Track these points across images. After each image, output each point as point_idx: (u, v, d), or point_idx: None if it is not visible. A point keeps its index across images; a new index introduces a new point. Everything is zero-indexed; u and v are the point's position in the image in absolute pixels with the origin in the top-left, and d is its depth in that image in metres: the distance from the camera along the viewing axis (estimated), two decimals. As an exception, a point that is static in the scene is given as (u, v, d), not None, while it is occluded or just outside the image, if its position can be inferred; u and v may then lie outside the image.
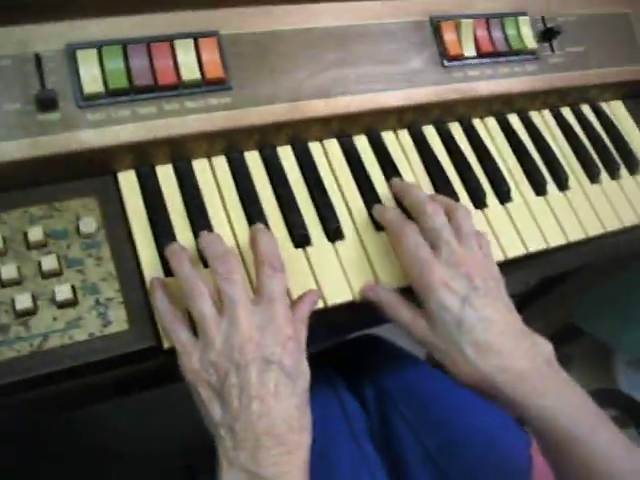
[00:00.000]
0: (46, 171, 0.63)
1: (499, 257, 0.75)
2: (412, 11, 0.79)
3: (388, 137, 0.79)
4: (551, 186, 0.84)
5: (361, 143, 0.78)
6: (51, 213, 0.64)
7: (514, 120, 0.88)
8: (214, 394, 0.56)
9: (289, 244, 0.69)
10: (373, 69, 0.75)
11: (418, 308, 0.66)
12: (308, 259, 0.69)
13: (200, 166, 0.70)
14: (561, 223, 0.81)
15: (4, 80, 0.61)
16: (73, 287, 0.61)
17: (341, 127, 0.75)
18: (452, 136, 0.82)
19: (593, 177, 0.87)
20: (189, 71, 0.66)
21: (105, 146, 0.64)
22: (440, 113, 0.81)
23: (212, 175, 0.70)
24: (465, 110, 0.83)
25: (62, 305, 0.60)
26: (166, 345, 0.60)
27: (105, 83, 0.64)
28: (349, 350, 1.01)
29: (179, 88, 0.66)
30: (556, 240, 0.80)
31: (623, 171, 0.90)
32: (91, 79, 0.63)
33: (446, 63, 0.79)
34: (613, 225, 0.84)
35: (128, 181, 0.67)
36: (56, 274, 0.61)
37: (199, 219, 0.67)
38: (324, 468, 0.78)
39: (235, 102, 0.68)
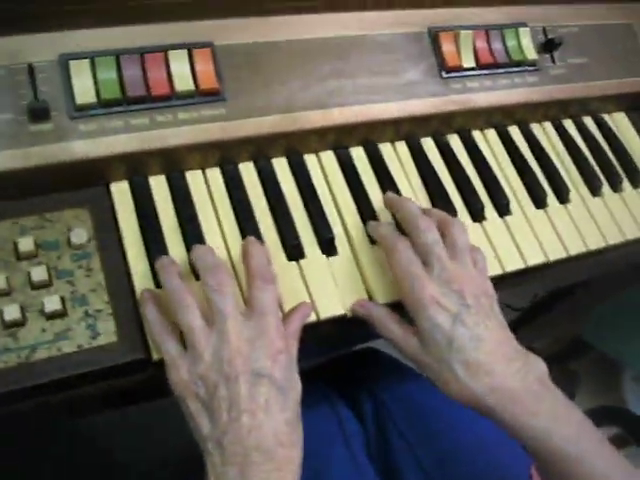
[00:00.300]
0: (38, 182, 0.63)
1: (497, 271, 0.74)
2: (410, 22, 0.79)
3: (385, 149, 0.79)
4: (551, 199, 0.83)
5: (358, 155, 0.77)
6: (42, 224, 0.63)
7: (515, 132, 0.87)
8: (203, 407, 0.55)
9: (282, 256, 0.68)
10: (370, 80, 0.75)
11: (410, 325, 0.65)
12: (301, 271, 0.68)
13: (194, 177, 0.70)
14: (561, 236, 0.80)
15: (-4, 90, 0.61)
16: (62, 298, 0.61)
17: (337, 139, 0.75)
18: (450, 148, 0.82)
19: (595, 190, 0.86)
20: (183, 82, 0.66)
21: (97, 157, 0.63)
22: (438, 125, 0.80)
23: (206, 187, 0.70)
24: (464, 122, 0.82)
25: (51, 316, 0.60)
26: (155, 357, 0.60)
27: (98, 94, 0.63)
28: (347, 363, 1.00)
29: (172, 99, 0.66)
30: (556, 254, 0.79)
31: (626, 184, 0.89)
32: (83, 90, 0.63)
33: (444, 74, 0.79)
34: (615, 238, 0.83)
35: (120, 192, 0.67)
36: (46, 285, 0.61)
37: (191, 231, 0.66)
38: (319, 482, 0.77)
39: (229, 113, 0.68)
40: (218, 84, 0.67)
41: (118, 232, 0.65)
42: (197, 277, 0.64)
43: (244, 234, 0.67)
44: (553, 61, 0.86)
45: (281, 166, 0.73)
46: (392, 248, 0.66)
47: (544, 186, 0.83)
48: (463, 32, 0.79)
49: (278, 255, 0.68)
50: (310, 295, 0.67)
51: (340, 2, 0.74)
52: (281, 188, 0.72)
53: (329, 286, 0.68)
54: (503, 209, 0.79)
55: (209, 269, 0.59)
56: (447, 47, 0.79)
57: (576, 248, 0.80)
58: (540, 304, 1.53)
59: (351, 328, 0.71)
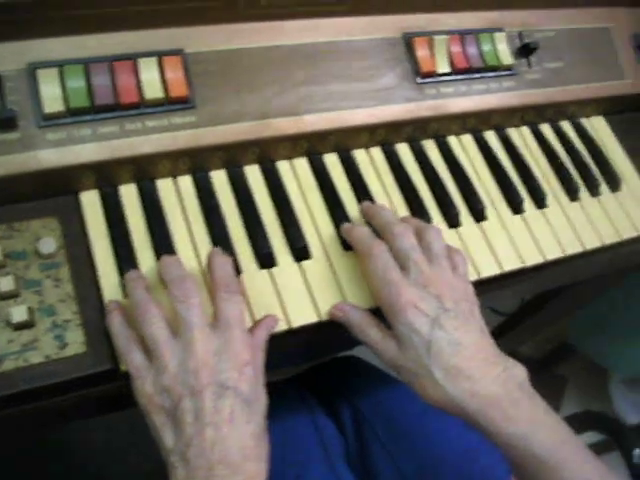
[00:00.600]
0: (6, 191, 0.62)
1: (473, 276, 0.74)
2: (384, 27, 0.78)
3: (360, 155, 0.78)
4: (528, 204, 0.82)
5: (331, 161, 0.77)
6: (10, 233, 0.63)
7: (491, 137, 0.86)
8: (167, 419, 0.55)
9: (254, 265, 0.68)
10: (344, 86, 0.74)
11: (388, 329, 0.64)
12: (273, 280, 0.67)
13: (164, 185, 0.69)
14: (538, 242, 0.80)
15: (-37, 100, 0.60)
16: (30, 309, 0.60)
17: (311, 145, 0.74)
18: (426, 154, 0.81)
19: (572, 194, 0.86)
20: (152, 89, 0.65)
21: (66, 166, 0.63)
22: (413, 131, 0.80)
23: (176, 195, 0.69)
24: (439, 127, 0.82)
25: (18, 327, 0.59)
26: (123, 367, 0.59)
27: (66, 102, 0.63)
28: (326, 371, 1.00)
29: (142, 107, 0.65)
30: (533, 259, 0.78)
31: (603, 188, 0.89)
32: (52, 98, 0.62)
33: (419, 80, 0.78)
34: (593, 243, 0.83)
35: (90, 201, 0.66)
36: (13, 295, 0.60)
37: (161, 240, 0.66)
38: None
39: (199, 120, 0.67)
40: (188, 91, 0.67)
41: (87, 241, 0.64)
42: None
43: (215, 242, 0.67)
44: (529, 65, 0.86)
45: (253, 173, 0.73)
46: (368, 252, 0.66)
47: (521, 191, 0.83)
48: (437, 37, 0.79)
49: (250, 263, 0.68)
50: (282, 303, 0.66)
51: (313, 8, 0.74)
52: (253, 196, 0.71)
53: (302, 294, 0.67)
54: (479, 215, 0.79)
55: (175, 280, 0.59)
56: (421, 52, 0.78)
57: (553, 253, 0.80)
58: (526, 308, 1.53)
59: (327, 336, 0.70)
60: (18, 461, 1.34)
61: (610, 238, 0.84)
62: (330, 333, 0.69)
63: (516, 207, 0.81)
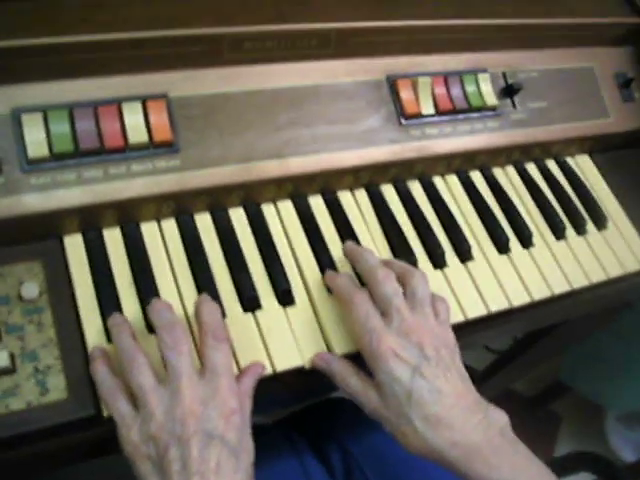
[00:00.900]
0: (-11, 236, 0.62)
1: (459, 318, 0.74)
2: (368, 70, 0.79)
3: (345, 197, 0.78)
4: (514, 243, 0.83)
5: (316, 204, 0.77)
6: (-7, 278, 0.62)
7: (476, 177, 0.87)
8: (153, 468, 0.54)
9: (238, 307, 0.67)
10: (328, 128, 0.75)
11: (370, 377, 0.64)
12: (257, 323, 0.67)
13: (148, 229, 0.69)
14: (525, 281, 0.80)
15: (-53, 144, 0.60)
16: (12, 354, 0.59)
17: (295, 188, 0.75)
18: (411, 195, 0.81)
19: (558, 233, 0.86)
20: (136, 134, 0.66)
21: (50, 210, 0.63)
22: (398, 172, 0.80)
23: (161, 238, 0.69)
24: (424, 168, 0.82)
25: (-1, 373, 0.59)
26: (106, 413, 0.59)
27: (50, 147, 0.63)
28: (315, 413, 0.98)
29: (126, 151, 0.66)
30: (520, 299, 0.78)
31: (590, 226, 0.89)
32: (36, 143, 0.62)
33: (403, 122, 0.79)
34: (580, 282, 0.83)
35: (74, 245, 0.66)
36: (-5, 341, 0.60)
37: (145, 285, 0.65)
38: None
39: (184, 164, 0.67)
40: (172, 135, 0.67)
41: (71, 286, 0.64)
42: (151, 330, 0.63)
43: (199, 285, 0.67)
44: (514, 106, 0.87)
45: (238, 216, 0.73)
46: (349, 300, 0.65)
47: (507, 231, 0.83)
48: (421, 79, 0.80)
49: (234, 306, 0.67)
50: (266, 347, 0.66)
51: (297, 52, 0.74)
52: (238, 238, 0.71)
53: (286, 337, 0.67)
54: (465, 255, 0.79)
55: (165, 326, 0.58)
56: (405, 94, 0.79)
57: (540, 293, 0.80)
58: (518, 346, 1.52)
59: (312, 379, 0.70)
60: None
61: (597, 277, 0.84)
62: (314, 378, 0.69)
63: (502, 247, 0.81)
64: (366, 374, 0.65)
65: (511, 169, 0.90)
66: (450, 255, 0.78)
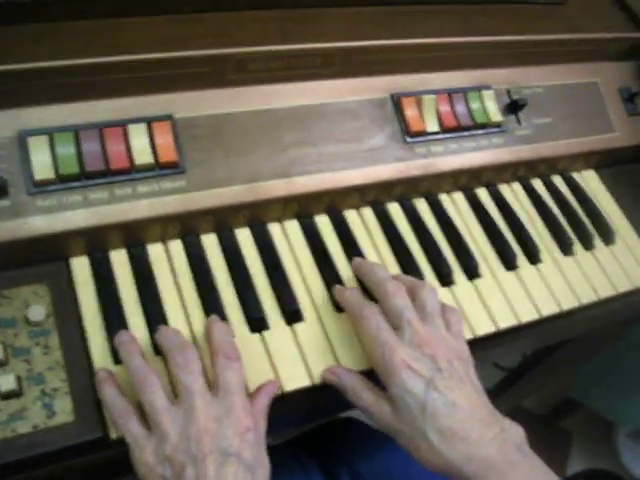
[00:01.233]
0: (-5, 259, 0.62)
1: (468, 335, 0.73)
2: (372, 88, 0.79)
3: (350, 216, 0.78)
4: (522, 260, 0.82)
5: (322, 223, 0.77)
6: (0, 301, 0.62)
7: (482, 194, 0.87)
8: None
9: (245, 328, 0.67)
10: (333, 148, 0.75)
11: (382, 391, 0.63)
12: (265, 343, 0.67)
13: (155, 250, 0.69)
14: (533, 298, 0.79)
15: (-46, 168, 0.60)
16: (18, 377, 0.59)
17: (301, 207, 0.74)
18: (417, 213, 0.81)
19: (566, 249, 0.85)
20: (142, 155, 0.66)
21: (56, 232, 0.63)
22: (404, 190, 0.80)
23: (167, 259, 0.69)
24: (430, 186, 0.82)
25: (6, 396, 0.58)
26: (113, 436, 0.58)
27: (56, 169, 0.63)
28: (325, 434, 0.98)
29: (132, 172, 0.66)
30: (528, 316, 0.78)
31: (597, 241, 0.89)
32: (42, 165, 0.63)
33: (408, 139, 0.79)
34: (589, 297, 0.82)
35: (80, 267, 0.66)
36: (1, 364, 0.59)
37: (152, 307, 0.65)
38: None
39: (189, 185, 0.68)
40: (178, 156, 0.67)
41: (77, 308, 0.64)
42: (157, 352, 0.63)
43: (206, 306, 0.67)
44: (518, 122, 0.87)
45: (244, 236, 0.73)
46: (359, 314, 0.65)
47: (514, 247, 0.82)
48: (426, 96, 0.80)
49: (241, 327, 0.67)
50: (274, 367, 0.65)
51: (301, 71, 0.75)
52: (244, 259, 0.71)
53: (294, 358, 0.67)
54: (472, 272, 0.78)
55: (176, 347, 0.58)
56: (410, 112, 0.79)
57: (549, 309, 0.79)
58: (527, 363, 1.51)
59: (322, 397, 0.69)
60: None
61: (606, 292, 0.84)
62: (324, 397, 0.68)
63: (509, 263, 0.81)
64: (379, 388, 0.64)
65: (517, 185, 0.90)
66: (458, 272, 0.78)
